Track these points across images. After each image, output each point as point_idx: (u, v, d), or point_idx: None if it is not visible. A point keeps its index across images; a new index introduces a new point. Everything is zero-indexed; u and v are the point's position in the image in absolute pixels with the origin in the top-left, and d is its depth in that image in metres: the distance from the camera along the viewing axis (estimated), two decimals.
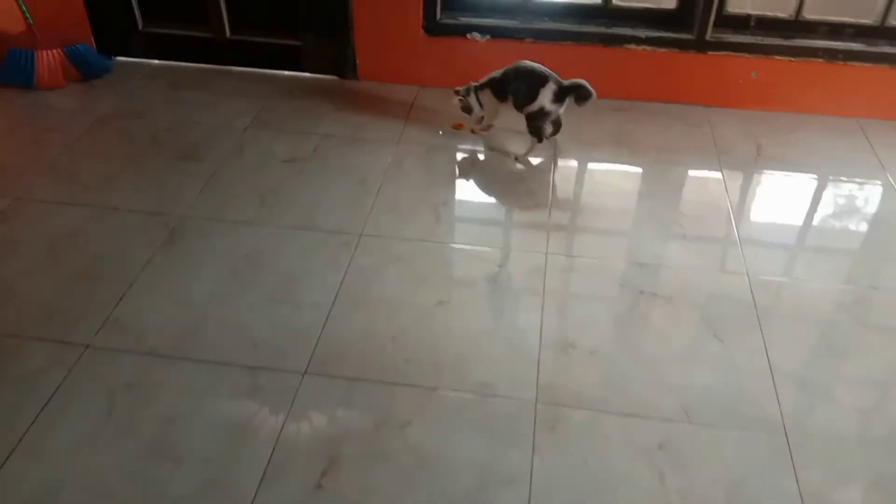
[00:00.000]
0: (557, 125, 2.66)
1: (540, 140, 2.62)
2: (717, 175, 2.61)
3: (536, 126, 2.58)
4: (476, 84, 2.66)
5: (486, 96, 2.65)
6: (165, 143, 2.71)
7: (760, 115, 2.93)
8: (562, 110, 2.58)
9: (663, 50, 2.87)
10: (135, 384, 1.80)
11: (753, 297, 2.09)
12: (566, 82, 2.52)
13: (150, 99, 2.97)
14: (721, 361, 1.91)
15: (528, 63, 2.56)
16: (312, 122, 2.85)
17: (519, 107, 2.58)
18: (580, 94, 2.51)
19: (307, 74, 3.16)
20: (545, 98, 2.51)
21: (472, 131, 2.78)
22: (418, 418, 1.74)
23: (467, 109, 2.68)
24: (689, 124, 2.88)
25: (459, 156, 2.73)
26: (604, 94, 2.93)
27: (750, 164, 2.69)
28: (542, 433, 1.71)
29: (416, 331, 1.97)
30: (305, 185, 2.50)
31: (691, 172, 2.65)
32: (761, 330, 1.99)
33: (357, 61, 3.08)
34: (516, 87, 2.55)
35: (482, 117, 2.75)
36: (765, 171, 2.66)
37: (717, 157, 2.70)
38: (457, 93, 2.67)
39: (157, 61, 3.22)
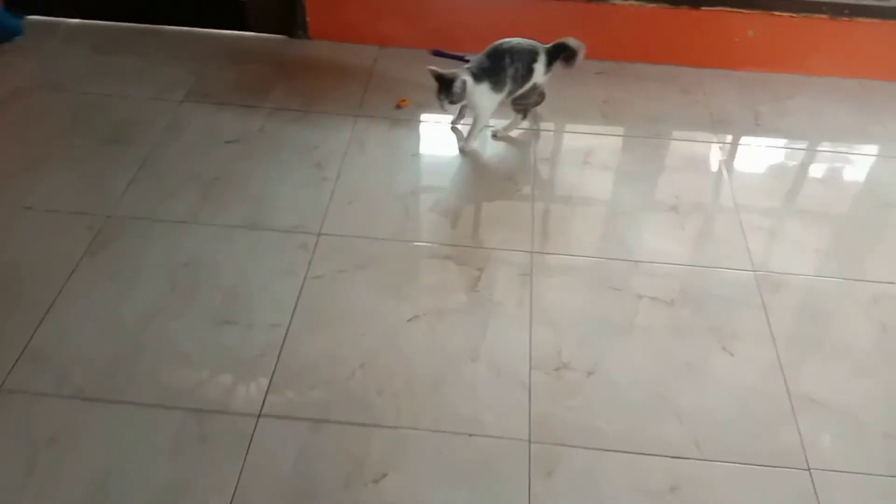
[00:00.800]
0: (541, 96, 2.36)
1: (525, 117, 2.33)
2: (715, 149, 2.36)
3: (525, 104, 2.28)
4: (469, 74, 2.12)
5: (483, 93, 2.15)
6: (89, 123, 2.34)
7: (757, 78, 2.67)
8: (547, 79, 2.27)
9: (652, 6, 2.56)
10: (59, 437, 1.52)
11: (762, 298, 1.88)
12: (550, 46, 2.21)
13: (71, 67, 2.58)
14: (732, 380, 1.69)
15: (510, 41, 2.17)
16: (259, 93, 2.50)
17: (518, 87, 2.21)
18: (566, 55, 2.20)
19: (251, 34, 2.78)
20: (539, 73, 2.20)
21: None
22: (395, 468, 1.49)
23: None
24: (682, 90, 2.61)
25: (428, 132, 2.42)
26: (588, 55, 2.64)
27: (749, 134, 2.44)
28: (539, 480, 1.49)
29: (388, 354, 1.71)
30: (253, 172, 2.18)
31: (686, 147, 2.39)
32: (773, 339, 1.78)
33: (307, 18, 2.72)
34: (514, 72, 2.15)
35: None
36: (765, 142, 2.42)
37: (713, 128, 2.45)
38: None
39: (76, 20, 2.80)
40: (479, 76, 2.14)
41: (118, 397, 1.59)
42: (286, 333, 1.74)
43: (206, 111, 2.41)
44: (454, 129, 2.38)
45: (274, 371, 1.66)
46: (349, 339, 1.73)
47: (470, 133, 2.28)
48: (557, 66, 2.22)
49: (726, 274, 1.95)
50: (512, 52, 2.16)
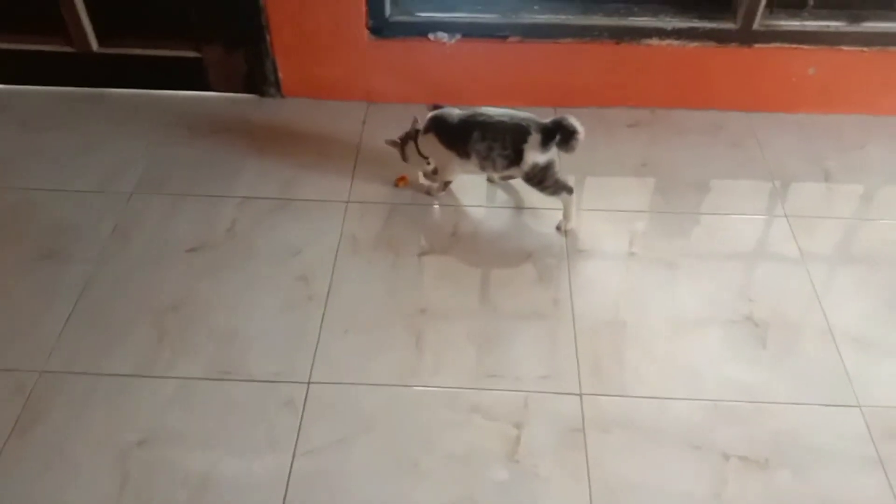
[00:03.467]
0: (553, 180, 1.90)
1: (569, 191, 1.87)
2: (784, 225, 1.94)
3: (549, 185, 1.85)
4: (417, 128, 1.93)
5: (431, 145, 1.90)
6: (15, 232, 1.90)
7: (818, 122, 2.24)
8: (551, 157, 1.82)
9: (695, 45, 2.13)
10: None
11: (877, 449, 1.48)
12: (548, 122, 1.77)
13: None
14: None
15: (491, 113, 1.81)
16: (226, 176, 2.06)
17: (496, 171, 1.87)
18: (564, 136, 1.75)
19: (214, 94, 2.33)
20: (533, 153, 1.78)
21: (428, 192, 2.02)
22: None
23: (405, 157, 1.99)
24: (731, 142, 2.18)
25: (435, 220, 1.99)
26: (618, 103, 2.25)
27: (820, 200, 2.02)
28: None
29: None
30: (221, 293, 1.75)
31: (749, 224, 1.96)
32: None
33: (279, 74, 2.27)
34: (485, 150, 1.81)
35: (434, 170, 2.00)
36: (842, 211, 1.99)
37: (777, 194, 2.03)
38: (393, 144, 1.98)
39: (3, 86, 2.34)
40: (428, 126, 1.89)
41: None
42: None
43: (161, 206, 1.97)
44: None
45: None
46: None
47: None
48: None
49: (826, 413, 1.54)
50: (484, 126, 1.80)
